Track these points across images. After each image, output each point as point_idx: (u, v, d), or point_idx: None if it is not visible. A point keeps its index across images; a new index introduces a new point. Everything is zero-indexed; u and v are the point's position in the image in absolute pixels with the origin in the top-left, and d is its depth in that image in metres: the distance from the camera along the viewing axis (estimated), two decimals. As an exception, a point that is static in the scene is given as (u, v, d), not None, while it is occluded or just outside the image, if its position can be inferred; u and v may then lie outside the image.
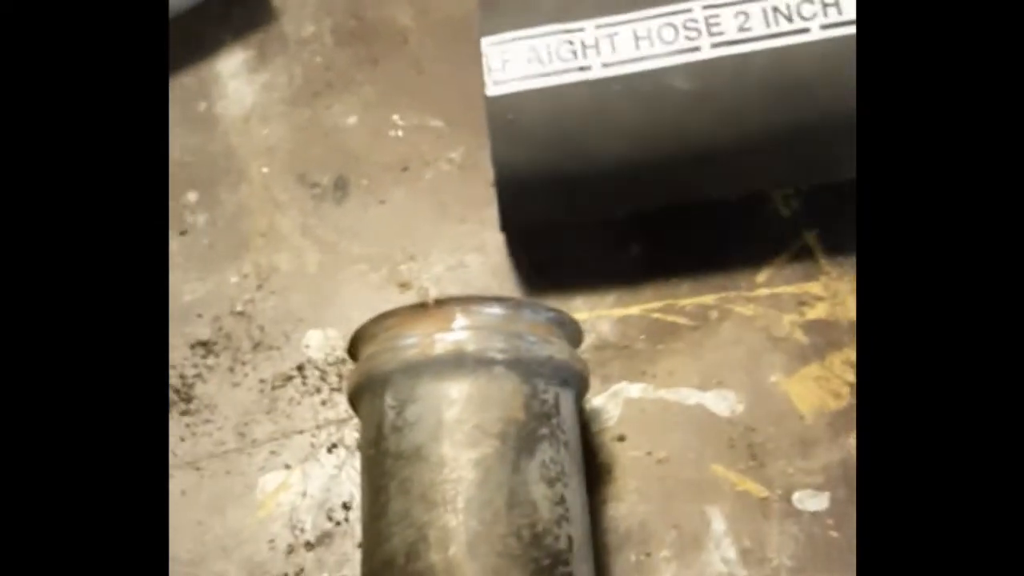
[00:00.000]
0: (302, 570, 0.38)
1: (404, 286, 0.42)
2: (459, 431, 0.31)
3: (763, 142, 0.37)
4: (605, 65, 0.36)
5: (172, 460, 0.40)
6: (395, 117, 0.45)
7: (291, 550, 0.38)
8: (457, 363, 0.31)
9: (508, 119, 0.36)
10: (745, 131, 0.37)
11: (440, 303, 0.32)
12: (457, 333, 0.32)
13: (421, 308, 0.33)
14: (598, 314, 0.41)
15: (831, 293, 0.40)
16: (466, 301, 0.33)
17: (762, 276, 0.41)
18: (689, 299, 0.41)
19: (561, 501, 0.31)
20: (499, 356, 0.31)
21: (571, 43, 0.37)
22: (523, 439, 0.31)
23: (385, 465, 0.31)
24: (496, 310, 0.32)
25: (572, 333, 0.35)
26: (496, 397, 0.31)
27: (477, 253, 0.43)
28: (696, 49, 0.36)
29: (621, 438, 0.39)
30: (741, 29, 0.36)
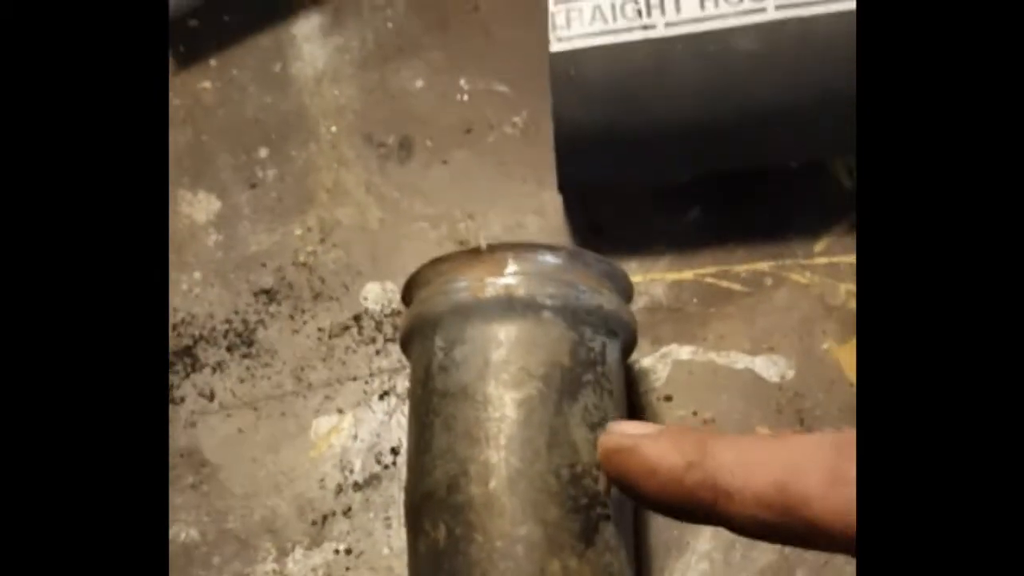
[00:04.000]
0: (349, 509, 0.39)
1: (462, 244, 0.43)
2: (505, 372, 0.31)
3: (827, 108, 0.37)
4: (668, 24, 0.37)
5: (231, 400, 0.41)
6: (461, 81, 0.46)
7: (340, 490, 0.39)
8: (506, 307, 0.32)
9: (570, 75, 0.37)
10: (808, 96, 0.37)
11: (492, 249, 0.33)
12: (508, 278, 0.32)
13: (474, 253, 0.33)
14: (651, 277, 0.41)
15: (890, 264, 0.39)
16: (518, 248, 0.33)
17: (820, 245, 0.40)
18: (744, 265, 0.40)
19: (602, 445, 0.31)
20: (548, 302, 0.32)
21: (636, 2, 0.37)
22: (567, 383, 0.31)
23: (431, 403, 0.32)
24: (548, 258, 0.33)
25: (623, 286, 0.35)
26: (543, 341, 0.32)
27: (535, 214, 0.43)
28: (761, 10, 0.36)
29: (668, 398, 0.39)
30: (807, -9, 0.36)
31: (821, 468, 0.23)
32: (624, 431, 0.29)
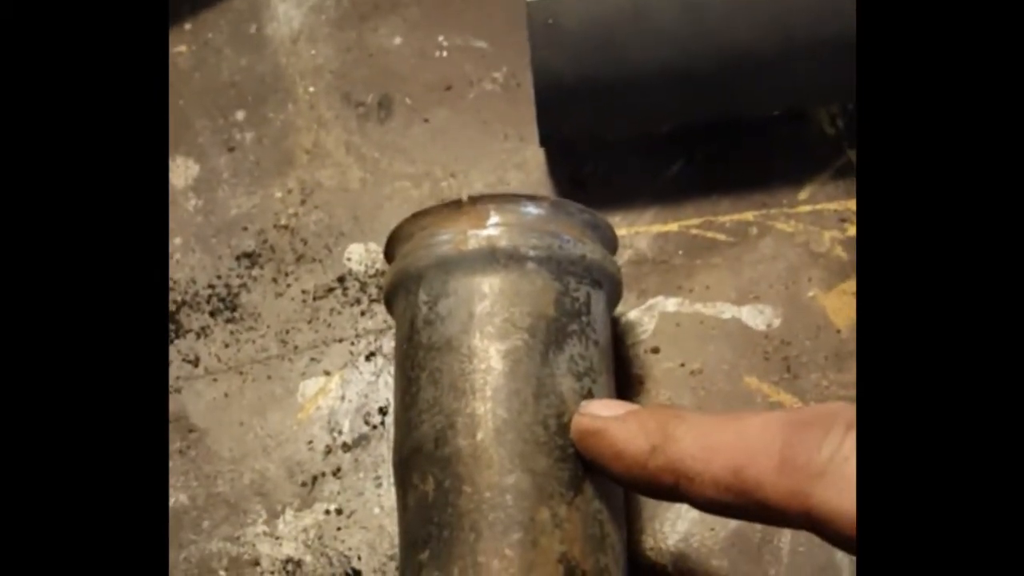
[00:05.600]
0: (339, 469, 0.39)
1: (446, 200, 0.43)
2: (489, 324, 0.31)
3: (807, 53, 0.37)
4: (646, -29, 0.36)
5: (216, 365, 0.41)
6: (440, 38, 0.46)
7: (329, 451, 0.39)
8: (489, 259, 0.32)
9: (548, 23, 0.36)
10: (789, 41, 0.36)
11: (474, 201, 0.33)
12: (490, 230, 0.32)
13: (455, 206, 0.33)
14: (636, 230, 0.41)
15: (874, 209, 0.39)
16: (500, 199, 0.33)
17: (804, 193, 0.40)
18: (729, 215, 0.40)
19: (588, 395, 0.31)
20: (531, 253, 0.32)
21: (612, -52, 0.36)
22: (552, 334, 0.31)
23: (417, 357, 0.32)
24: (531, 208, 0.33)
25: (607, 236, 0.35)
26: (527, 292, 0.31)
27: (517, 170, 0.43)
28: (739, -46, 0.36)
29: (655, 350, 0.39)
30: (787, -66, 0.35)
31: (772, 452, 0.25)
32: (595, 412, 0.30)
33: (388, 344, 0.40)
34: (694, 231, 0.40)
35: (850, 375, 0.37)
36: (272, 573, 0.38)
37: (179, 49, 0.46)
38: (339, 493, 0.39)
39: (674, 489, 0.27)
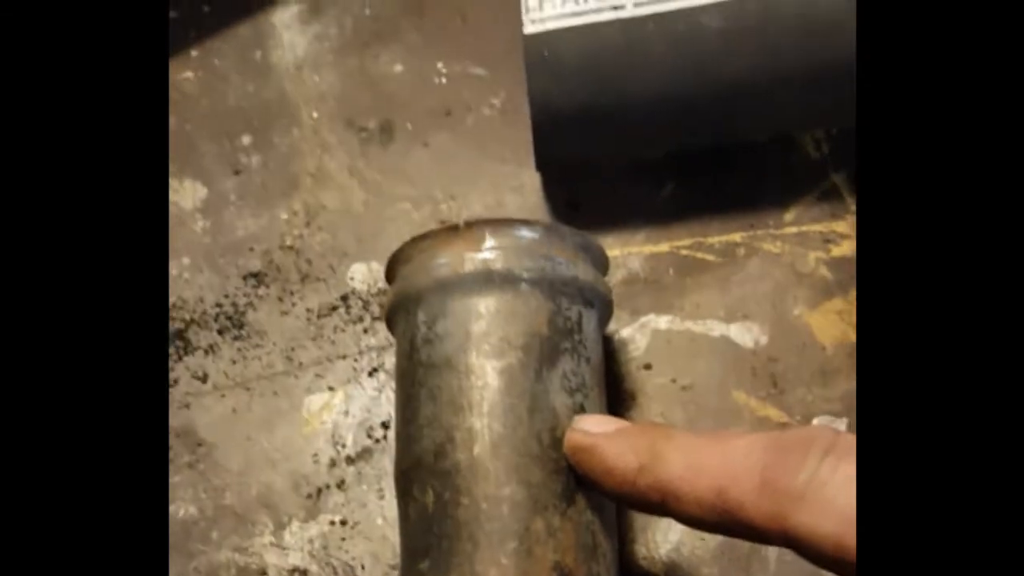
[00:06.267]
0: (343, 482, 0.40)
1: (444, 224, 0.44)
2: (485, 343, 0.32)
3: (793, 82, 0.38)
4: (637, 4, 0.38)
5: (224, 381, 0.42)
6: (439, 65, 0.47)
7: (333, 464, 0.40)
8: (485, 280, 0.33)
9: (543, 56, 0.38)
10: (775, 70, 0.38)
11: (471, 225, 0.34)
12: (486, 253, 0.33)
13: (453, 230, 0.34)
14: (629, 251, 0.42)
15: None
16: (496, 223, 0.34)
17: (790, 215, 0.42)
18: (718, 237, 0.42)
19: (580, 410, 0.32)
20: (525, 274, 0.33)
21: (604, -17, 0.38)
22: (546, 352, 0.33)
23: (417, 375, 0.33)
24: (524, 232, 0.34)
25: (598, 257, 0.36)
26: (521, 312, 0.33)
27: (514, 193, 0.44)
28: (725, -12, 0.37)
29: (647, 367, 0.40)
30: (771, -32, 0.37)
31: (753, 475, 0.26)
32: (586, 428, 0.31)
33: (390, 360, 0.42)
34: (684, 252, 0.42)
35: (834, 390, 0.38)
36: (278, 583, 0.39)
37: (186, 75, 0.48)
38: (343, 505, 0.40)
39: (661, 506, 0.28)
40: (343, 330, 0.43)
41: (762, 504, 0.25)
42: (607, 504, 0.33)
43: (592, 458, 0.30)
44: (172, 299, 0.44)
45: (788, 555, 0.37)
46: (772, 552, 0.37)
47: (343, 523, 0.40)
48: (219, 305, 0.44)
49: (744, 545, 0.37)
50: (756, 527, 0.26)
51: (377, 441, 0.41)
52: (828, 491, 0.24)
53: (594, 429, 0.31)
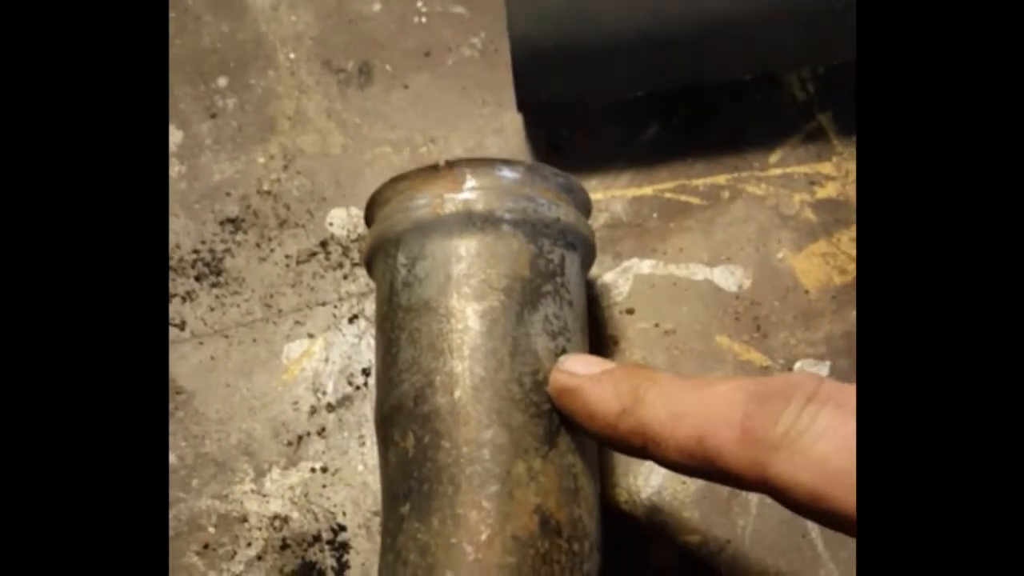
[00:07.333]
0: (323, 429, 0.40)
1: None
2: (466, 285, 0.32)
3: (780, 18, 0.37)
4: (620, -62, 0.37)
5: (202, 328, 0.42)
6: (419, 4, 0.46)
7: (313, 411, 0.40)
8: (466, 222, 0.32)
9: (523, -8, 0.37)
10: (762, 6, 0.37)
11: (451, 165, 0.33)
12: (466, 193, 0.33)
13: (432, 170, 0.34)
14: (612, 194, 0.42)
15: (842, 173, 0.40)
16: (477, 163, 0.33)
17: (775, 157, 0.41)
18: (702, 179, 0.41)
19: (563, 353, 0.32)
20: (506, 216, 0.32)
21: (586, -84, 0.37)
22: (528, 294, 0.32)
23: (396, 318, 0.33)
24: (506, 172, 0.33)
25: (581, 199, 0.35)
26: (503, 254, 0.32)
27: (496, 135, 0.44)
28: (711, -79, 0.36)
29: (630, 311, 0.40)
30: (758, -99, 0.36)
31: (733, 423, 0.26)
32: (571, 370, 0.31)
33: (370, 307, 0.41)
34: (668, 195, 0.41)
35: (817, 334, 0.38)
36: (260, 529, 0.39)
37: (160, 16, 0.47)
38: (324, 452, 0.40)
39: (643, 450, 0.28)
40: (322, 276, 0.42)
41: (741, 453, 0.25)
42: (589, 447, 0.32)
43: (575, 400, 0.30)
44: (147, 245, 0.43)
45: (769, 499, 0.37)
46: (753, 496, 0.37)
47: (324, 470, 0.39)
48: (196, 251, 0.43)
49: (725, 489, 0.37)
50: (735, 475, 0.26)
51: (358, 388, 0.40)
52: (806, 440, 0.24)
53: (579, 370, 0.31)
